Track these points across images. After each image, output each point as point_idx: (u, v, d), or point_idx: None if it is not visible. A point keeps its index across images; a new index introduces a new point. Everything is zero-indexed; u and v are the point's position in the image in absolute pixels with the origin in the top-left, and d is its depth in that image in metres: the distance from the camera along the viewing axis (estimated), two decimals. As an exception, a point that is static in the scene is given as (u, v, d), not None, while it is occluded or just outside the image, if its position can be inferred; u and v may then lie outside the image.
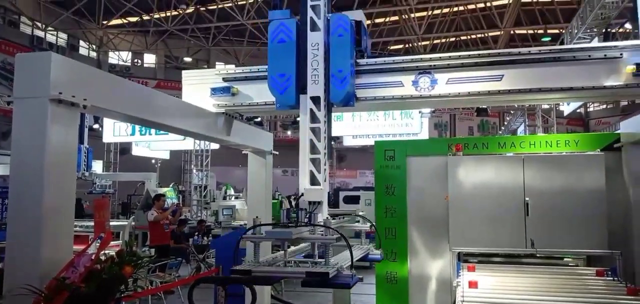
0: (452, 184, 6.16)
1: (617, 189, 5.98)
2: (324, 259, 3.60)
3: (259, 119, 17.64)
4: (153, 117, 4.74)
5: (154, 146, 20.45)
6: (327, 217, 4.20)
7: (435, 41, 28.81)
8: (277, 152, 7.26)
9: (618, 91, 4.81)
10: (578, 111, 31.47)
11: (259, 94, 5.57)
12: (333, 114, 14.81)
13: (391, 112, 16.11)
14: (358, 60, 5.05)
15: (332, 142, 28.29)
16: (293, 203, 4.14)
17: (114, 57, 30.82)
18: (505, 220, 5.89)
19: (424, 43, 27.18)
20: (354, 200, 17.80)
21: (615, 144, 6.15)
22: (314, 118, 4.35)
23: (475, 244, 5.92)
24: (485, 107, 16.55)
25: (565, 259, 5.94)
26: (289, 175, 36.31)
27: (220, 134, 5.73)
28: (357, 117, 16.61)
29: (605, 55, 4.72)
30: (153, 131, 16.43)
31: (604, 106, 35.61)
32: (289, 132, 28.11)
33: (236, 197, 16.55)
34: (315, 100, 4.36)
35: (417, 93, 5.18)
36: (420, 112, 16.18)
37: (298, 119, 16.58)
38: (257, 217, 4.49)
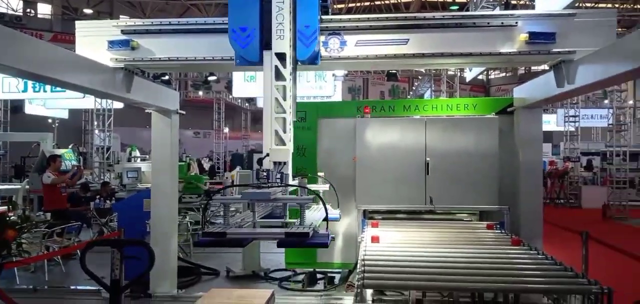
0: (360, 145, 6.30)
1: (509, 151, 6.46)
2: (293, 220, 3.62)
3: (166, 77, 16.83)
4: (42, 71, 4.30)
5: (51, 104, 18.81)
6: (301, 178, 4.08)
7: (350, 5, 29.04)
8: (183, 112, 6.97)
9: (513, 57, 5.11)
10: (480, 77, 33.53)
11: (163, 49, 5.27)
12: (246, 74, 14.38)
13: (305, 74, 16.05)
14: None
15: (246, 104, 27.74)
16: (263, 164, 4.03)
17: (2, 6, 27.76)
18: (408, 179, 6.16)
19: (339, 5, 27.30)
20: (268, 162, 17.78)
21: (508, 108, 6.60)
22: (279, 75, 4.13)
23: (380, 202, 6.14)
24: (395, 71, 17.00)
25: (459, 214, 6.35)
26: (201, 137, 35.45)
27: (119, 91, 5.36)
28: (270, 78, 16.38)
29: (502, 23, 4.97)
30: (48, 87, 15.12)
31: (504, 74, 38.22)
32: (200, 93, 27.23)
33: (142, 160, 15.81)
34: (281, 57, 4.13)
35: (327, 54, 5.17)
36: (333, 75, 16.32)
37: (210, 78, 15.97)
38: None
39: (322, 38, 5.22)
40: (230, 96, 26.20)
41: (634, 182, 17.80)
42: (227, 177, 16.75)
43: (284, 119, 4.15)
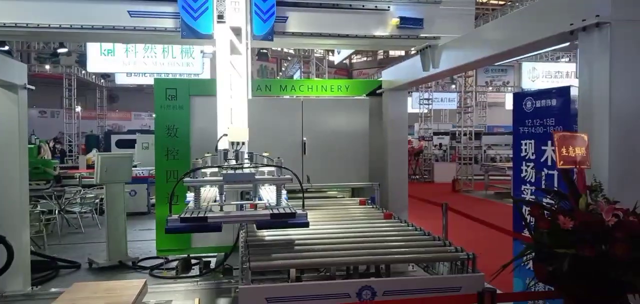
0: (236, 124, 6.13)
1: (378, 130, 6.80)
2: (263, 201, 3.52)
3: (6, 47, 14.72)
4: None
5: None
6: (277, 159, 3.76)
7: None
8: (33, 87, 6.13)
9: (384, 40, 5.36)
10: (344, 61, 34.90)
11: (7, 12, 4.59)
12: (103, 47, 13.19)
13: (170, 50, 15.21)
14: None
15: (102, 80, 25.39)
16: (232, 146, 3.71)
17: None
18: (286, 158, 6.13)
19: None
20: (129, 144, 16.59)
21: (377, 90, 6.93)
22: (234, 50, 3.84)
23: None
24: (265, 51, 16.94)
25: (333, 192, 6.55)
26: (48, 117, 31.83)
27: (-50, 60, 4.53)
28: (132, 52, 15.17)
29: (375, 6, 5.17)
30: None
31: (365, 58, 40.25)
32: (47, 67, 24.31)
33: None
34: (236, 31, 3.83)
35: (200, 28, 4.92)
36: (202, 51, 15.68)
37: (60, 50, 14.29)
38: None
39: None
40: (83, 71, 23.79)
41: (477, 158, 20.08)
42: (84, 161, 15.32)
43: (241, 96, 3.94)
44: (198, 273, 6.55)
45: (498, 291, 2.59)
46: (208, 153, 4.70)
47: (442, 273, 3.69)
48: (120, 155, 8.91)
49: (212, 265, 6.73)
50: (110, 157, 8.24)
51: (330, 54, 24.38)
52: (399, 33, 5.20)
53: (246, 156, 3.85)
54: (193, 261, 6.86)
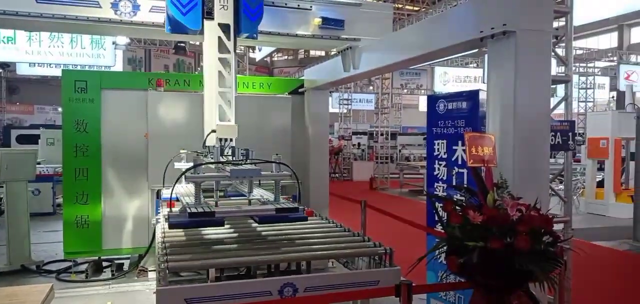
0: (153, 120, 5.90)
1: (300, 128, 6.85)
2: (256, 197, 3.65)
3: None
4: None
5: None
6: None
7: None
8: None
9: (307, 40, 5.40)
10: (265, 59, 34.77)
11: None
12: (4, 34, 12.14)
13: (79, 40, 14.27)
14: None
15: (1, 70, 23.41)
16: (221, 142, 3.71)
17: None
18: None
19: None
20: (32, 140, 15.35)
21: (299, 88, 6.98)
22: (222, 47, 3.79)
23: (174, 180, 5.87)
24: (183, 44, 16.41)
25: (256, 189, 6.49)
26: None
27: None
28: (35, 40, 14.04)
29: (298, 5, 5.19)
30: None
31: (286, 57, 40.35)
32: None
33: None
34: (224, 28, 3.78)
35: (117, 17, 4.67)
36: (114, 43, 14.88)
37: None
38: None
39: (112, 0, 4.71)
40: (-21, 60, 21.67)
41: (393, 157, 20.85)
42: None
43: (228, 93, 3.90)
44: (110, 276, 6.22)
45: (413, 284, 2.71)
46: (183, 150, 4.52)
47: (361, 268, 3.79)
48: (22, 151, 8.24)
49: (126, 267, 6.42)
50: (12, 153, 7.59)
51: (252, 50, 24.14)
52: (320, 33, 5.27)
53: (243, 151, 3.79)
54: (104, 263, 6.50)
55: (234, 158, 3.80)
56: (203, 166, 3.51)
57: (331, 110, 25.83)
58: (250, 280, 3.33)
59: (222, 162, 3.62)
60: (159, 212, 5.00)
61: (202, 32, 3.98)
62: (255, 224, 4.42)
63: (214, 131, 3.92)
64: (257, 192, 4.00)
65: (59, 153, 6.69)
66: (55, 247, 7.15)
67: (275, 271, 3.73)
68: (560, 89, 5.58)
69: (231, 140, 3.96)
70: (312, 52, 33.97)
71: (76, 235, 6.12)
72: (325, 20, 5.26)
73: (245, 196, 4.00)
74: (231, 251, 3.60)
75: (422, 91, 25.94)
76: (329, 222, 4.59)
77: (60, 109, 6.28)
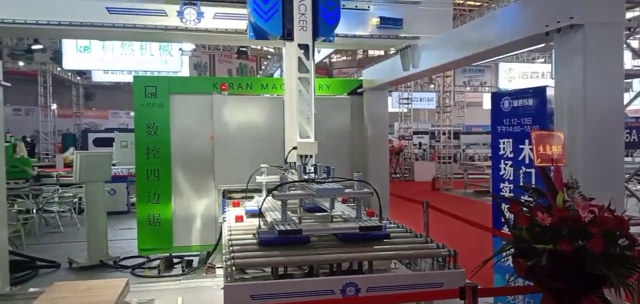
0: (218, 123, 6.12)
1: (359, 129, 6.86)
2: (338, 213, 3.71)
3: (-21, 43, 14.36)
4: None
5: None
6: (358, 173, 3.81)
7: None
8: (9, 84, 6.02)
9: (365, 40, 5.42)
10: (324, 60, 35.00)
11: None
12: (79, 44, 13.00)
13: (149, 47, 15.02)
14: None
15: (78, 77, 24.98)
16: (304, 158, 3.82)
17: None
18: (267, 158, 6.15)
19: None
20: (107, 142, 16.34)
21: (358, 89, 6.99)
22: (301, 67, 3.89)
23: (240, 181, 6.05)
24: (245, 49, 16.88)
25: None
26: (23, 114, 31.10)
27: None
28: (109, 48, 14.94)
29: (356, 6, 5.22)
30: None
31: (345, 58, 40.37)
32: (21, 63, 23.72)
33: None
34: (304, 48, 3.87)
35: (182, 25, 4.91)
36: (180, 49, 15.54)
37: (34, 47, 14.06)
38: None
39: (177, 8, 4.95)
40: (59, 68, 23.29)
41: (456, 157, 20.35)
42: (60, 159, 15.05)
43: (308, 110, 4.02)
44: (180, 272, 6.52)
45: (479, 286, 2.66)
46: (264, 164, 4.80)
47: (424, 270, 3.75)
48: (99, 153, 8.81)
49: (195, 264, 6.71)
50: (90, 155, 8.13)
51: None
52: (379, 33, 5.28)
53: (325, 169, 3.94)
54: (175, 260, 6.83)
55: (316, 175, 3.90)
56: (288, 184, 3.62)
57: (391, 110, 25.59)
58: (314, 278, 3.39)
59: (307, 180, 3.72)
60: (226, 212, 5.20)
61: (282, 38, 4.08)
62: (319, 224, 4.49)
63: (295, 148, 4.04)
64: (338, 208, 4.08)
65: (132, 155, 7.08)
66: (130, 244, 7.58)
67: (337, 271, 3.78)
68: (637, 84, 5.26)
69: (311, 156, 4.08)
70: (370, 52, 33.81)
71: (149, 233, 6.47)
72: (384, 20, 5.25)
73: (323, 209, 4.07)
74: (295, 249, 3.68)
75: (486, 88, 25.14)
76: (391, 223, 4.57)
77: (132, 113, 6.65)
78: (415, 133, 24.91)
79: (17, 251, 7.19)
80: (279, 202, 3.70)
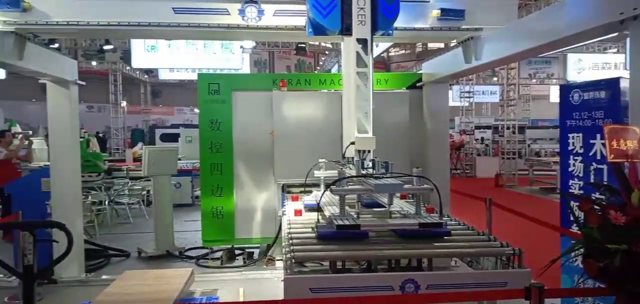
0: (277, 118, 6.23)
1: (418, 123, 6.75)
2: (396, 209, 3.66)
3: (56, 44, 15.36)
4: None
5: None
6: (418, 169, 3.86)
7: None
8: (83, 83, 6.42)
9: (425, 33, 5.31)
10: (382, 55, 34.71)
11: (59, 10, 4.80)
12: (147, 43, 13.57)
13: (211, 45, 15.50)
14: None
15: (146, 76, 26.12)
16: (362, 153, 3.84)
17: None
18: (324, 153, 6.19)
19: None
20: (173, 138, 17.06)
21: (418, 83, 6.87)
22: (360, 62, 3.92)
23: (298, 176, 6.13)
24: (303, 45, 17.03)
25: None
26: (96, 111, 33.04)
27: (9, 58, 4.80)
28: (175, 47, 15.56)
29: (415, -2, 5.12)
30: None
31: (403, 51, 39.80)
32: (94, 63, 25.17)
33: (26, 137, 14.46)
34: (362, 42, 3.90)
35: (244, 23, 5.02)
36: (241, 47, 15.92)
37: (106, 47, 14.83)
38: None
39: (239, 6, 5.06)
40: (128, 67, 24.55)
41: (521, 153, 19.57)
42: (130, 154, 15.83)
43: (366, 105, 4.01)
44: (242, 263, 6.71)
45: (545, 287, 2.56)
46: (322, 159, 4.85)
47: (487, 268, 3.65)
48: (166, 148, 9.21)
49: (255, 256, 6.87)
50: (157, 150, 8.52)
51: (369, 47, 24.16)
52: (439, 25, 5.15)
53: (383, 164, 3.95)
54: (237, 252, 7.03)
55: (374, 171, 3.88)
56: (345, 179, 3.62)
57: (452, 103, 24.97)
58: (373, 274, 3.39)
59: (365, 175, 3.70)
60: (285, 206, 5.29)
61: (341, 33, 4.07)
62: (378, 220, 4.47)
63: (352, 143, 4.01)
64: (397, 204, 4.04)
65: (196, 150, 7.35)
66: (195, 235, 7.88)
67: (396, 267, 3.75)
68: None
69: (369, 152, 4.03)
70: (430, 45, 33.12)
71: (212, 225, 6.69)
72: (444, 12, 5.12)
73: (382, 205, 4.05)
74: (354, 244, 3.68)
75: (554, 81, 23.97)
76: (451, 220, 4.48)
77: (196, 110, 6.89)
78: (477, 128, 24.16)
79: (91, 241, 7.66)
80: (337, 197, 3.72)
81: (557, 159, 17.15)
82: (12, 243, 6.14)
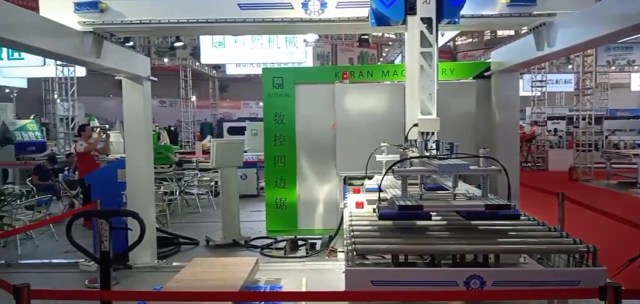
0: (339, 111, 6.23)
1: (485, 114, 6.51)
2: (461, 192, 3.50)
3: (131, 43, 16.21)
4: (5, 34, 4.02)
5: (8, 72, 17.97)
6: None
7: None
8: (155, 79, 6.74)
9: (493, 20, 5.10)
10: (448, 44, 33.79)
11: (133, 10, 5.05)
12: (214, 39, 14.03)
13: (276, 39, 15.77)
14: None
15: (214, 71, 27.04)
16: (425, 135, 3.79)
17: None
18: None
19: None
20: (239, 131, 17.55)
21: (485, 72, 6.63)
22: (424, 41, 3.86)
23: (359, 168, 6.11)
24: (366, 37, 16.89)
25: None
26: (167, 106, 34.63)
27: (89, 57, 5.12)
28: (241, 43, 15.97)
29: (483, -17, 4.93)
30: (5, 55, 14.38)
31: (470, 40, 38.57)
32: (165, 60, 26.37)
33: (104, 131, 15.44)
34: (427, 21, 3.85)
35: (307, 16, 5.05)
36: (304, 40, 16.07)
37: (176, 44, 15.43)
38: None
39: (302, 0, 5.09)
40: (197, 63, 25.51)
41: (598, 145, 18.41)
42: (199, 147, 16.49)
43: (430, 86, 3.92)
44: (304, 254, 6.81)
45: (623, 287, 2.39)
46: (384, 143, 4.80)
47: (558, 266, 3.47)
48: (233, 141, 9.49)
49: (318, 247, 6.94)
50: (225, 143, 8.80)
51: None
52: (509, 11, 4.91)
53: (447, 146, 3.86)
54: (300, 242, 7.13)
55: (438, 152, 3.77)
56: (408, 160, 3.52)
57: (522, 93, 23.87)
58: (436, 268, 3.32)
59: (428, 157, 3.61)
60: (347, 198, 5.29)
61: (404, 23, 3.99)
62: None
63: (415, 125, 3.92)
64: (462, 187, 3.91)
65: (261, 142, 7.52)
66: (259, 225, 8.07)
67: (461, 262, 3.65)
68: None
69: (433, 134, 3.92)
70: (499, 33, 31.85)
71: (276, 215, 6.83)
72: (514, -3, 4.89)
73: (446, 188, 3.95)
74: (417, 238, 3.62)
75: (635, 67, 22.30)
76: (521, 215, 4.30)
77: (261, 104, 7.04)
78: (550, 118, 22.95)
79: (163, 229, 8.05)
80: (399, 181, 3.62)
81: (638, 151, 15.97)
82: (91, 230, 6.60)
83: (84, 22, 4.94)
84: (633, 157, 14.59)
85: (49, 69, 16.17)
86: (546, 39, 5.02)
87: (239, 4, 5.06)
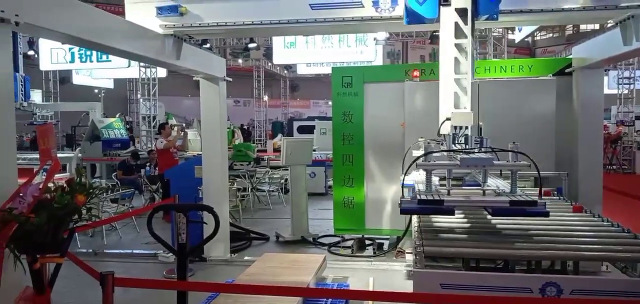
0: (409, 110, 6.15)
1: (566, 113, 6.17)
2: (491, 187, 3.41)
3: (208, 44, 16.92)
4: (95, 37, 4.34)
5: (97, 74, 19.41)
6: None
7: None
8: (230, 79, 6.99)
9: (575, 14, 4.82)
10: (526, 39, 32.28)
11: (210, 13, 5.27)
12: (286, 40, 14.27)
13: (346, 38, 15.81)
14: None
15: (285, 71, 27.64)
16: (456, 130, 3.71)
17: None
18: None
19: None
20: (309, 130, 17.80)
21: (566, 69, 6.28)
22: (459, 33, 3.77)
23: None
24: (438, 34, 16.53)
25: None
26: (241, 105, 35.79)
27: (169, 58, 5.41)
28: (311, 43, 16.17)
29: (563, -25, 4.68)
30: (94, 57, 15.50)
31: (551, 35, 36.60)
32: (240, 61, 27.29)
33: (182, 129, 16.22)
34: (461, 12, 3.78)
35: (378, 14, 5.03)
36: (374, 39, 15.98)
37: (250, 45, 15.90)
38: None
39: (373, -3, 5.08)
40: (270, 64, 26.16)
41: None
42: (271, 145, 16.89)
43: (464, 79, 3.82)
44: (372, 254, 6.79)
45: None
46: (422, 138, 4.78)
47: (645, 276, 3.23)
48: (302, 140, 9.67)
49: (385, 247, 6.90)
50: (295, 141, 8.97)
51: (510, 32, 22.69)
52: (593, 4, 4.62)
53: (477, 140, 3.75)
54: (367, 242, 7.12)
55: (467, 146, 3.63)
56: (435, 154, 3.44)
57: (607, 91, 22.32)
58: (509, 274, 3.20)
59: (454, 150, 3.49)
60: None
61: (438, 21, 3.88)
62: (521, 219, 4.18)
63: (448, 119, 3.79)
64: (493, 183, 3.73)
65: (330, 141, 7.58)
66: (327, 223, 8.14)
67: (536, 268, 3.49)
68: None
69: (466, 128, 3.75)
70: (582, 27, 29.94)
71: (343, 214, 6.86)
72: (599, -11, 4.59)
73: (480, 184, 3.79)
74: (489, 242, 3.50)
75: None
76: (603, 221, 4.04)
77: (330, 103, 7.10)
78: (638, 118, 21.27)
79: (236, 224, 8.34)
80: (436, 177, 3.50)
81: None
82: (169, 223, 6.97)
83: (165, 26, 5.23)
84: None
85: (133, 71, 17.29)
86: (634, 32, 4.67)
87: (310, 4, 5.14)
